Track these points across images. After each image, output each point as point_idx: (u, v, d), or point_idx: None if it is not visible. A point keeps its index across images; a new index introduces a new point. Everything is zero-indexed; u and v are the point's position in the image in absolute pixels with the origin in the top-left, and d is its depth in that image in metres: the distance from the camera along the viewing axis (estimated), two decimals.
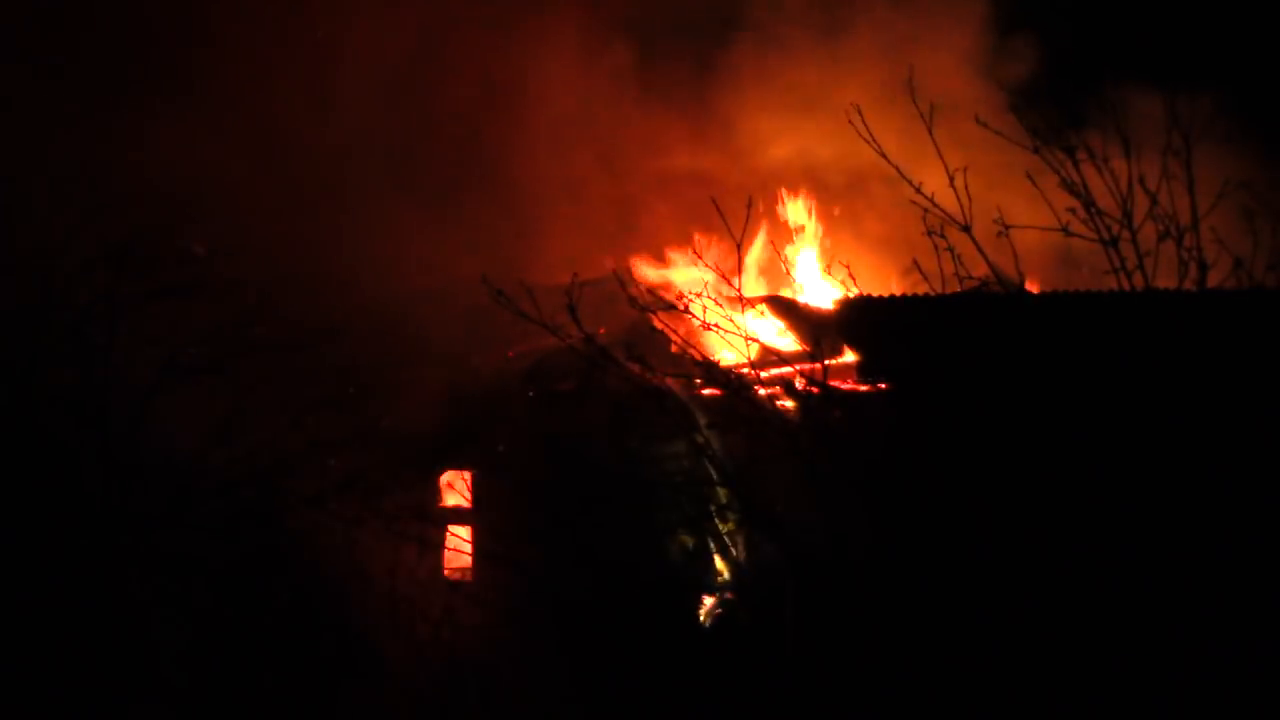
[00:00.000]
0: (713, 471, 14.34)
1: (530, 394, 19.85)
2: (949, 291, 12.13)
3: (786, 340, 17.70)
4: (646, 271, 20.45)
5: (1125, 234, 11.55)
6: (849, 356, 16.88)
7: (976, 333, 13.07)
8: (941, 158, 11.84)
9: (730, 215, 13.14)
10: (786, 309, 17.97)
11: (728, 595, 18.17)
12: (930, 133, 11.93)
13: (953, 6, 23.88)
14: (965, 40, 23.54)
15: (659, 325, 13.53)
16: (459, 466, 20.23)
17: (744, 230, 13.30)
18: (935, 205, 11.89)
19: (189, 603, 17.43)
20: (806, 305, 13.26)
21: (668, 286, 17.87)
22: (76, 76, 21.22)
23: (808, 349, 13.61)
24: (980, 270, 12.00)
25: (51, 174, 18.82)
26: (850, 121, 12.25)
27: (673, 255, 21.11)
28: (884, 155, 12.07)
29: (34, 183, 18.50)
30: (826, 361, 13.31)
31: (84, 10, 21.59)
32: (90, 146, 20.00)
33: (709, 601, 18.45)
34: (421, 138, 23.18)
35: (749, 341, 13.22)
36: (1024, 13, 23.88)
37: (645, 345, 13.47)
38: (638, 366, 13.22)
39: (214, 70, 22.12)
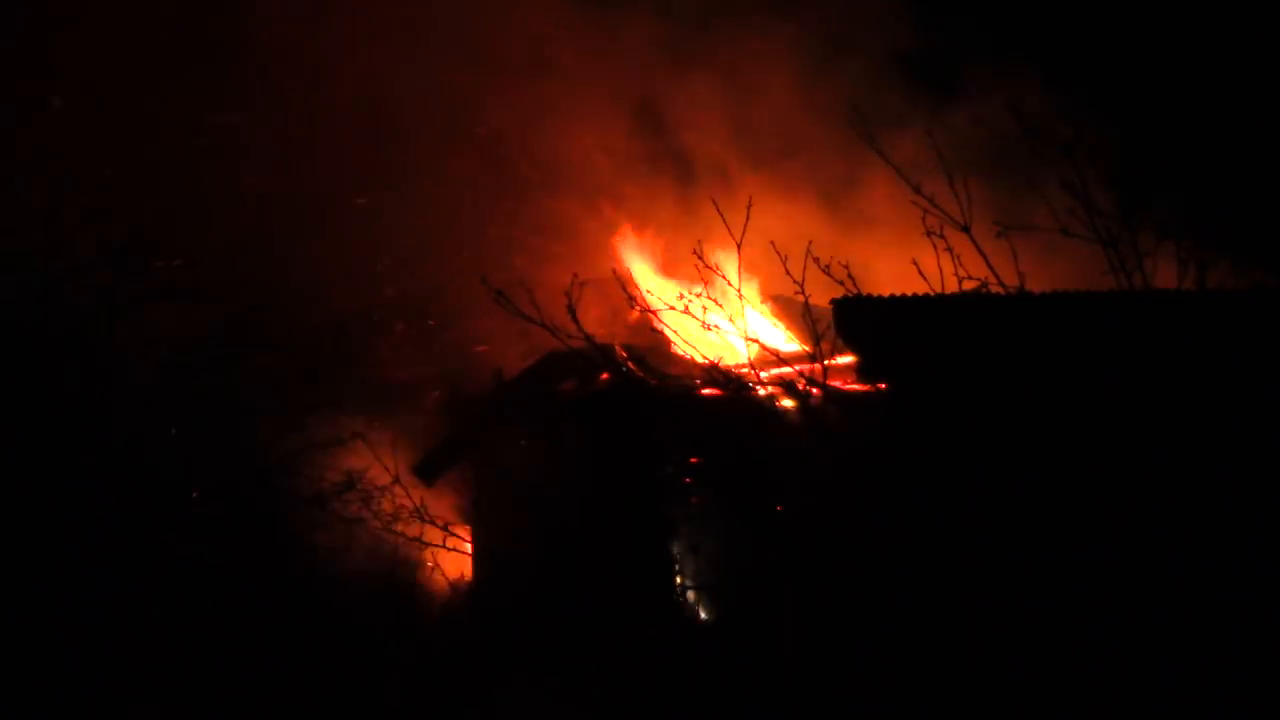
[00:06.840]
0: (713, 471, 14.34)
1: (531, 394, 19.78)
2: (949, 291, 12.13)
3: (786, 340, 17.69)
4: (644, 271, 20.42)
5: (1125, 234, 11.56)
6: (849, 357, 16.84)
7: (976, 333, 13.07)
8: (941, 158, 11.84)
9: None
10: (786, 309, 17.94)
11: (725, 594, 18.15)
12: (930, 133, 11.94)
13: None
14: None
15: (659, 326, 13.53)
16: (459, 467, 20.18)
17: (743, 230, 13.30)
18: (935, 206, 11.88)
19: (189, 603, 17.43)
20: (806, 304, 13.23)
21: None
22: (76, 76, 21.20)
23: (808, 349, 13.57)
24: (980, 270, 12.01)
25: (51, 174, 18.81)
26: (849, 121, 12.25)
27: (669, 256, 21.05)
28: (883, 156, 12.06)
29: (34, 183, 18.50)
30: (826, 361, 13.29)
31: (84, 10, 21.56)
32: (90, 146, 20.00)
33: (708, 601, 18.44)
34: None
35: (749, 341, 13.22)
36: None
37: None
38: (638, 368, 13.22)
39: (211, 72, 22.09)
